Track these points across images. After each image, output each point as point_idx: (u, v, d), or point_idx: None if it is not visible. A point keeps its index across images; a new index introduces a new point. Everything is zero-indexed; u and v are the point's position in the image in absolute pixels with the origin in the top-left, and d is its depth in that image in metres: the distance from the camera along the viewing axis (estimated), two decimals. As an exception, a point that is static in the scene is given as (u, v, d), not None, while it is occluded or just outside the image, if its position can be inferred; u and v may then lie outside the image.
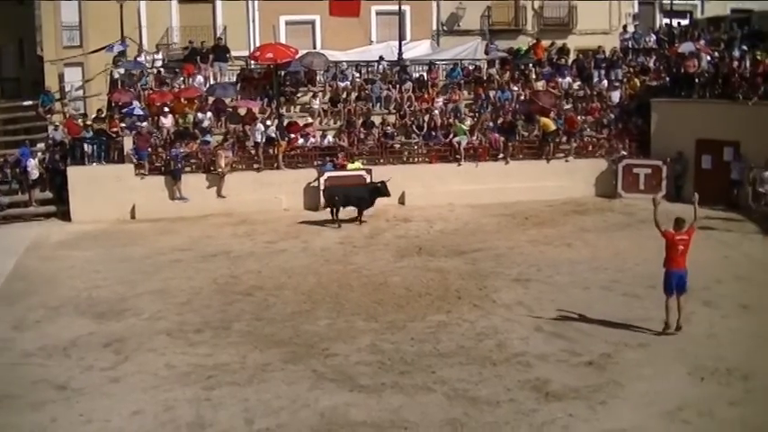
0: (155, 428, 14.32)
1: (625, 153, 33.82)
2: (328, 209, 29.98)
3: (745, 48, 34.74)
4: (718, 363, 16.71)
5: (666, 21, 45.39)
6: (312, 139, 33.36)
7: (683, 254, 17.85)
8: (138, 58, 37.26)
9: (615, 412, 14.73)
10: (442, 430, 14.07)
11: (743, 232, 27.72)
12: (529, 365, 16.80)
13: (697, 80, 33.49)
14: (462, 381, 16.05)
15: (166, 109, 33.20)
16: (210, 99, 34.57)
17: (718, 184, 31.09)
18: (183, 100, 34.15)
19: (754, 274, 22.96)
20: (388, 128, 34.05)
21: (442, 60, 38.73)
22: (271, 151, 32.55)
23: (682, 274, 17.96)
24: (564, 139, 34.42)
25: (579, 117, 35.12)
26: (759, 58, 32.68)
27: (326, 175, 31.57)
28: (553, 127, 33.95)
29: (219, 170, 31.39)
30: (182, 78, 35.96)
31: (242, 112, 34.10)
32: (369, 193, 30.17)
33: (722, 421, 14.33)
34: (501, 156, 33.72)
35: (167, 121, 32.97)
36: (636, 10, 46.93)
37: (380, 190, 29.91)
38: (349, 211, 30.03)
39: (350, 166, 32.29)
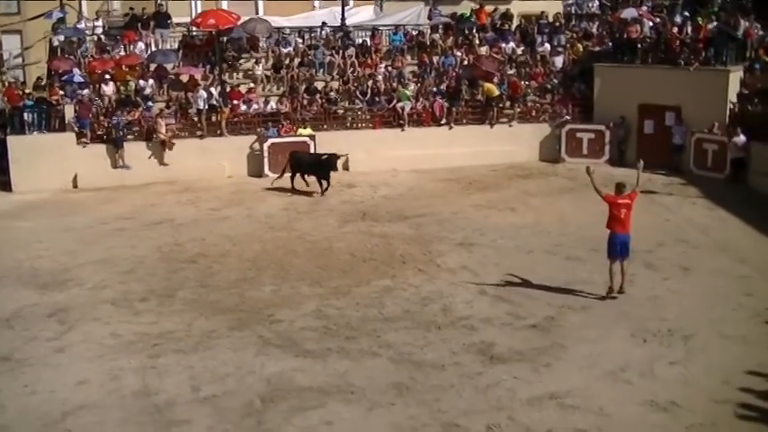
0: (100, 398, 14.26)
1: (568, 118, 33.96)
2: (288, 175, 29.73)
3: (686, 14, 34.99)
4: (660, 324, 17.00)
5: (609, -14, 45.57)
6: (255, 106, 33.19)
7: (627, 218, 17.98)
8: (78, 25, 36.71)
9: (559, 374, 14.92)
10: (387, 394, 14.16)
11: (684, 196, 28.03)
12: (473, 329, 16.94)
13: (639, 46, 33.67)
14: (408, 345, 16.17)
15: (107, 76, 32.81)
16: (152, 66, 34.23)
17: (660, 149, 31.42)
18: (124, 67, 33.77)
19: (694, 237, 23.30)
20: (332, 93, 33.95)
21: (386, 26, 38.59)
22: (213, 118, 32.31)
23: (626, 239, 18.12)
24: (507, 104, 34.51)
25: (523, 82, 35.24)
26: (700, 23, 33.00)
27: (270, 141, 31.48)
28: (497, 92, 34.01)
29: (161, 137, 31.08)
30: (122, 45, 35.52)
31: (184, 78, 33.74)
32: (320, 165, 29.35)
33: (664, 381, 14.58)
34: (444, 121, 33.77)
35: (108, 89, 32.61)
36: (578, -25, 47.03)
37: (329, 162, 29.02)
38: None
39: (301, 131, 32.19)
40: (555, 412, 13.55)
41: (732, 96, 31.12)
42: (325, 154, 29.57)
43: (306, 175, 29.62)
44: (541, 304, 18.18)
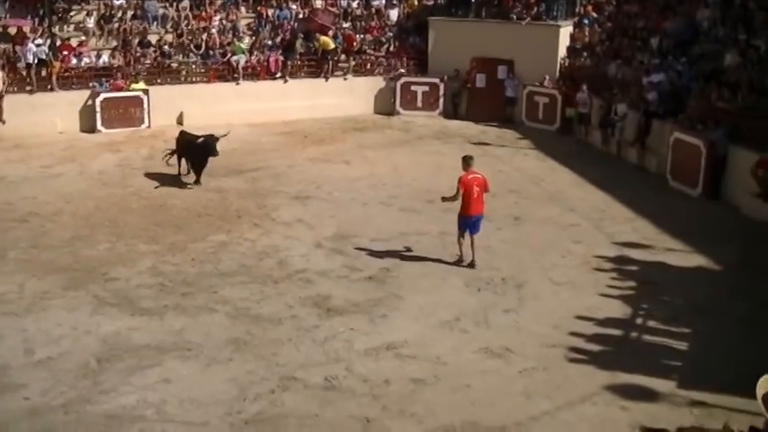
0: (-72, 364, 13.87)
1: (403, 71, 34.35)
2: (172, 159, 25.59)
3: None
4: (493, 273, 17.49)
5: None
6: (86, 60, 32.41)
7: (480, 197, 17.80)
8: None
9: (396, 324, 15.18)
10: (225, 350, 14.16)
11: (516, 147, 28.71)
12: (310, 282, 17.07)
13: (473, 0, 34.19)
14: (244, 299, 16.19)
15: (-72, 29, 31.65)
16: (-23, 18, 33.12)
17: (492, 102, 32.08)
18: (-54, 19, 32.59)
19: (525, 188, 23.97)
20: (165, 47, 33.44)
21: (220, -22, 38.16)
22: (43, 72, 31.39)
23: (478, 218, 17.94)
24: (342, 57, 34.62)
25: (358, 36, 35.37)
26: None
27: (102, 96, 30.82)
28: (332, 45, 34.09)
29: (-1, 91, 30.15)
30: (-57, -4, 34.25)
31: (12, 31, 32.65)
32: (195, 149, 24.34)
33: (498, 328, 15.02)
34: (279, 74, 33.68)
35: (-71, 42, 31.44)
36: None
37: (206, 145, 23.71)
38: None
39: (134, 86, 31.60)
40: (392, 362, 13.78)
41: (562, 51, 31.97)
42: (201, 136, 24.00)
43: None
44: (377, 256, 18.43)
